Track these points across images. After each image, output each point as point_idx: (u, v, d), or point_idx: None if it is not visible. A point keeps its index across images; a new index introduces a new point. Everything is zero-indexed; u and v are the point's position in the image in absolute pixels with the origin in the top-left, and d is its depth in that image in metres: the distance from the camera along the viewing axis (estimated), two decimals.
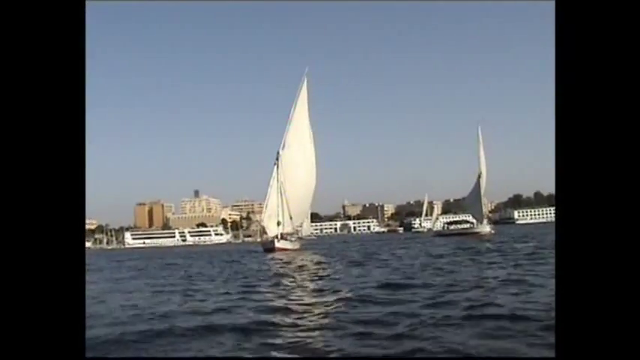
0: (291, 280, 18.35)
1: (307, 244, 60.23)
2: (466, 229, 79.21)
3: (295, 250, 45.75)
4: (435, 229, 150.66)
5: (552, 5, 3.65)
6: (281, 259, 31.74)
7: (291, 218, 48.64)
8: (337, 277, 18.62)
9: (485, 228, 74.43)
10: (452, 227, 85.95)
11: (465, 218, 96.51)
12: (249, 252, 49.81)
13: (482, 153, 78.41)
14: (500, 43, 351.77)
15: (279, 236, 47.36)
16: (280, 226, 48.05)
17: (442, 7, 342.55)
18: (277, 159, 49.17)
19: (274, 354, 6.93)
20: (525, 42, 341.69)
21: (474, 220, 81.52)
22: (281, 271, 23.01)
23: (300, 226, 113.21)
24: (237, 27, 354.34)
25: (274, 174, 49.04)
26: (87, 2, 3.72)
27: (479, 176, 78.85)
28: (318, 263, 27.31)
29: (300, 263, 27.80)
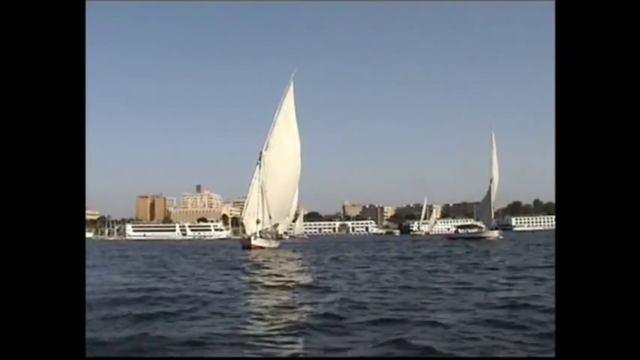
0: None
1: (289, 244, 62.00)
2: (475, 233, 79.72)
3: (271, 248, 47.31)
4: (431, 232, 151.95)
5: (552, 5, 3.68)
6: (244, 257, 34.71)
7: (270, 217, 50.34)
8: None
9: (494, 233, 74.95)
10: (461, 231, 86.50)
11: (474, 223, 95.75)
12: (231, 248, 51.92)
13: (494, 158, 78.04)
14: (507, 47, 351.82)
15: (257, 234, 49.12)
16: (260, 225, 49.83)
17: (448, 8, 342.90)
18: (260, 159, 50.77)
19: (275, 354, 7.00)
20: (532, 45, 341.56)
21: (484, 225, 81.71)
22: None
23: (293, 225, 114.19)
24: (238, 24, 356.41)
25: (256, 174, 50.66)
26: (87, 2, 3.76)
27: (490, 181, 78.73)
28: (265, 261, 30.03)
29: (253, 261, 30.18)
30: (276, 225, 54.63)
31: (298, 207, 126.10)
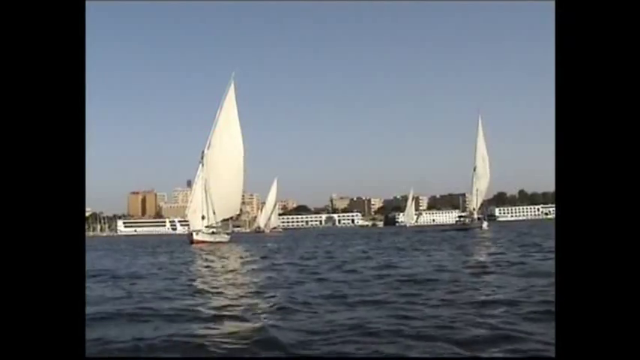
0: None
1: (254, 237, 64.87)
2: (467, 224, 79.39)
3: (215, 242, 49.46)
4: (413, 223, 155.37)
5: (552, 5, 3.68)
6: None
7: (214, 213, 53.44)
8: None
9: (477, 224, 75.02)
10: (462, 221, 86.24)
11: (463, 214, 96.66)
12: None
13: (480, 143, 76.23)
14: (493, 36, 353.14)
15: (202, 229, 52.54)
16: (205, 220, 53.08)
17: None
18: (202, 158, 53.76)
19: (273, 354, 6.85)
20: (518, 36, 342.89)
21: (481, 215, 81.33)
22: None
23: (269, 219, 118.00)
24: (230, 20, 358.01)
25: (199, 172, 53.80)
26: (87, 2, 3.74)
27: (474, 169, 77.66)
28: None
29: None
30: (224, 220, 58.84)
31: (276, 202, 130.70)
